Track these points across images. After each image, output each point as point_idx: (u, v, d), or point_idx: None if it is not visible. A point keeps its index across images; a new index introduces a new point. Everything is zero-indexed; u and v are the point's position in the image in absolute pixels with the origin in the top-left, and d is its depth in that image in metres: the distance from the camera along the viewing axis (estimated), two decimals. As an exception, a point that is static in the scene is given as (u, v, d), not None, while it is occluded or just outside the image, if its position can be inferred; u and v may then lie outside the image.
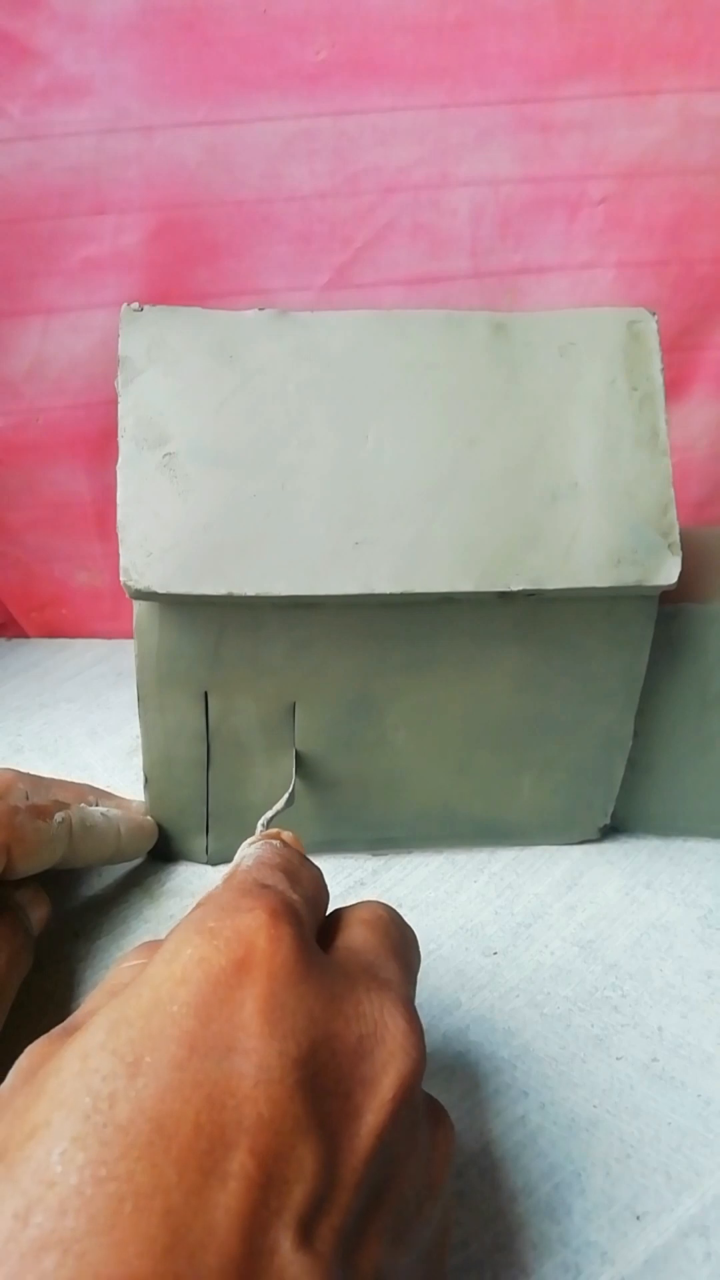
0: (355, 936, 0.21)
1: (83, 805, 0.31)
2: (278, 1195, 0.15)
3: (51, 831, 0.28)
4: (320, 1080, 0.17)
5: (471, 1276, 0.23)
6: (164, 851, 0.36)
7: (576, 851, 0.37)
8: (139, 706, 0.33)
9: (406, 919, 0.34)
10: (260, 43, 0.40)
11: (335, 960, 0.20)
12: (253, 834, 0.28)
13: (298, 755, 0.34)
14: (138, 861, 0.36)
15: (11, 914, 0.28)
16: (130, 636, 0.32)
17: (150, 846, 0.35)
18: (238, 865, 0.22)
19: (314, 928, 0.21)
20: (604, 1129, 0.26)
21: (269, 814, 0.30)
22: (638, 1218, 0.24)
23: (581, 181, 0.42)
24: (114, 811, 0.33)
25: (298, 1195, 0.15)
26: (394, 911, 0.23)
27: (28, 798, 0.29)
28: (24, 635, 0.56)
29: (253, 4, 0.39)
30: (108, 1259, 0.13)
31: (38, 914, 0.30)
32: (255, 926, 0.18)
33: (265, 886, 0.20)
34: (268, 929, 0.18)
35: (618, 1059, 0.28)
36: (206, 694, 0.32)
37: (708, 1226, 0.24)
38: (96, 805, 0.32)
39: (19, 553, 0.52)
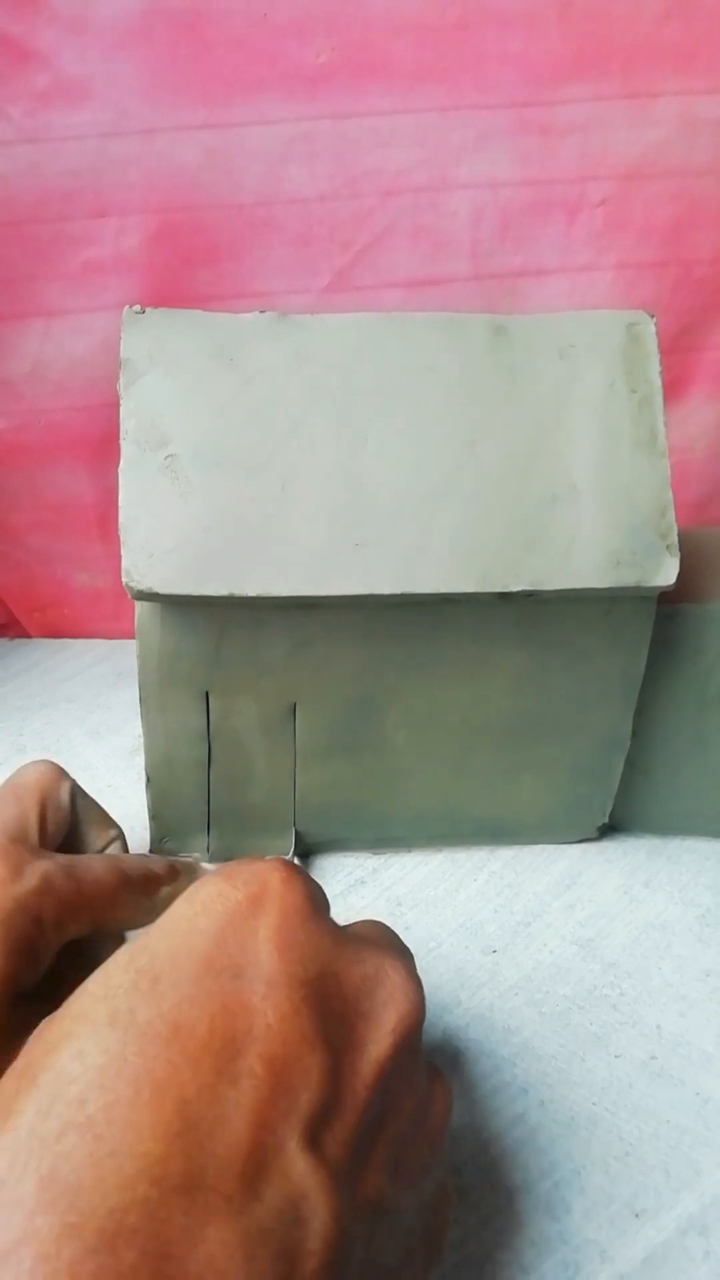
0: (357, 928, 0.22)
1: (195, 869, 0.29)
2: (285, 1098, 0.16)
3: (156, 911, 0.25)
4: (326, 1005, 0.18)
5: (471, 1274, 0.23)
6: (165, 851, 0.36)
7: (575, 850, 0.37)
8: (140, 706, 0.33)
9: (406, 917, 0.34)
10: (261, 45, 0.40)
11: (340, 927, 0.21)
12: (254, 854, 0.28)
13: (298, 755, 0.34)
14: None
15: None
16: (131, 637, 0.32)
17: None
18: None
19: None
20: (603, 1127, 0.26)
21: None
22: (637, 1215, 0.24)
23: (581, 184, 0.43)
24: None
25: (304, 1101, 0.16)
26: (390, 929, 0.24)
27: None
28: (26, 635, 0.56)
29: (253, 6, 0.39)
30: (123, 1138, 0.15)
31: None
32: (270, 870, 0.20)
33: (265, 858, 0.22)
34: (281, 873, 0.20)
35: (616, 1057, 0.28)
36: (208, 694, 0.32)
37: (707, 1224, 0.24)
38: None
39: (21, 554, 0.52)
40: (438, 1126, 0.20)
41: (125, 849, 0.30)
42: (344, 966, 0.19)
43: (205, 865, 0.31)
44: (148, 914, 0.27)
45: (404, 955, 0.22)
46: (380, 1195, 0.18)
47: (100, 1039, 0.16)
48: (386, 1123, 0.18)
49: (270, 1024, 0.17)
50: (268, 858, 0.21)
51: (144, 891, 0.27)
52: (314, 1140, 0.16)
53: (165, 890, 0.28)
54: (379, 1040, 0.18)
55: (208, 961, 0.17)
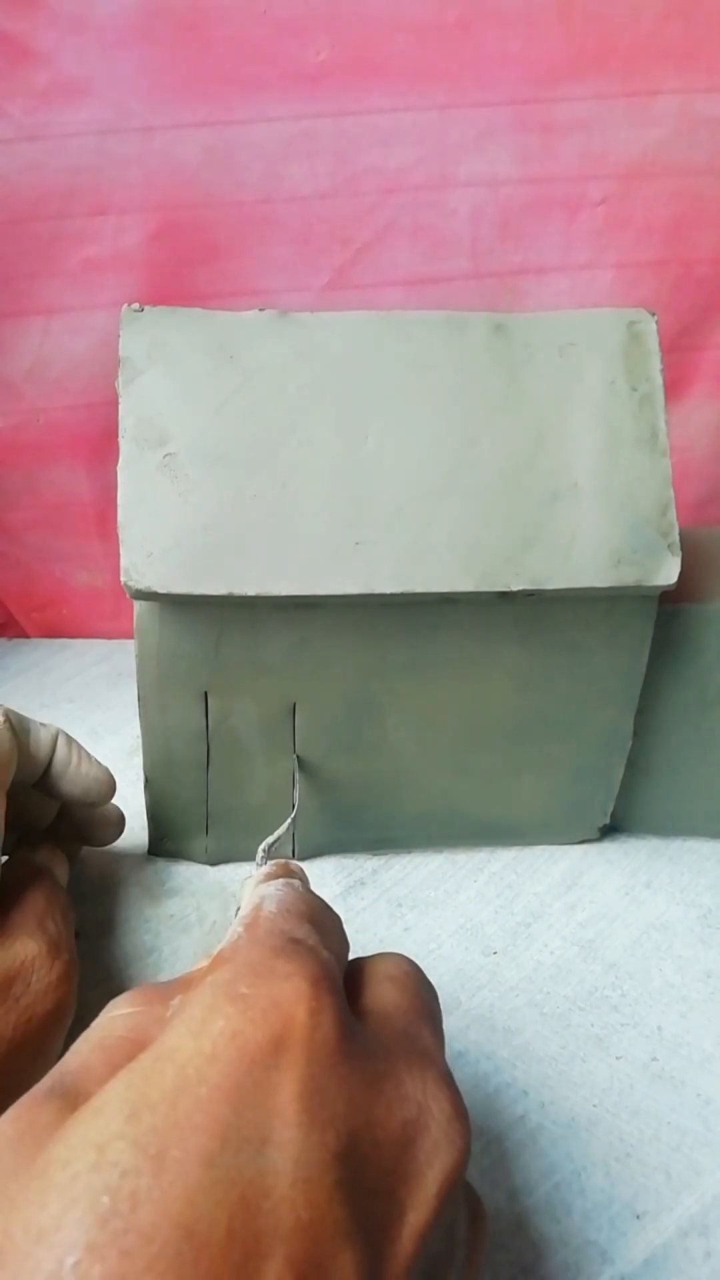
0: (385, 998, 0.20)
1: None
2: None
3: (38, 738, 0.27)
4: (361, 1176, 0.15)
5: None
6: (164, 851, 0.36)
7: (576, 851, 0.37)
8: (139, 706, 0.33)
9: (406, 918, 0.34)
10: (261, 43, 0.40)
11: (371, 1032, 0.18)
12: (254, 855, 0.28)
13: (298, 756, 0.34)
14: (139, 861, 0.36)
15: (48, 877, 0.28)
16: (130, 636, 0.32)
17: (108, 796, 0.32)
18: (258, 908, 0.20)
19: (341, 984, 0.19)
20: (604, 1128, 0.26)
21: (271, 839, 0.29)
22: (637, 1217, 0.24)
23: (581, 182, 0.43)
24: (88, 755, 0.31)
25: None
26: (416, 965, 0.21)
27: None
28: (24, 635, 0.56)
29: (253, 5, 0.39)
30: None
31: (60, 870, 0.29)
32: (294, 998, 0.16)
33: (297, 943, 0.18)
34: (308, 1001, 0.16)
35: (617, 1058, 0.28)
36: (207, 694, 0.32)
37: (708, 1225, 0.24)
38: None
39: (19, 553, 0.52)
40: (476, 1265, 0.18)
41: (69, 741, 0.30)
42: (383, 1115, 0.16)
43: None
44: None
45: (439, 1044, 0.19)
46: None
47: (96, 1245, 0.13)
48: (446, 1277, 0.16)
49: (300, 1219, 0.14)
50: (296, 965, 0.17)
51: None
52: None
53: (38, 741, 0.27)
54: (420, 1208, 0.15)
55: (223, 1133, 0.14)
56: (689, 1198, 0.24)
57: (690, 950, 0.32)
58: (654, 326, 0.31)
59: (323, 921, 0.20)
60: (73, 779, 0.30)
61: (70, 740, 0.30)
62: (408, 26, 0.40)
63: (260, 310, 0.31)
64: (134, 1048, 0.17)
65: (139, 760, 0.34)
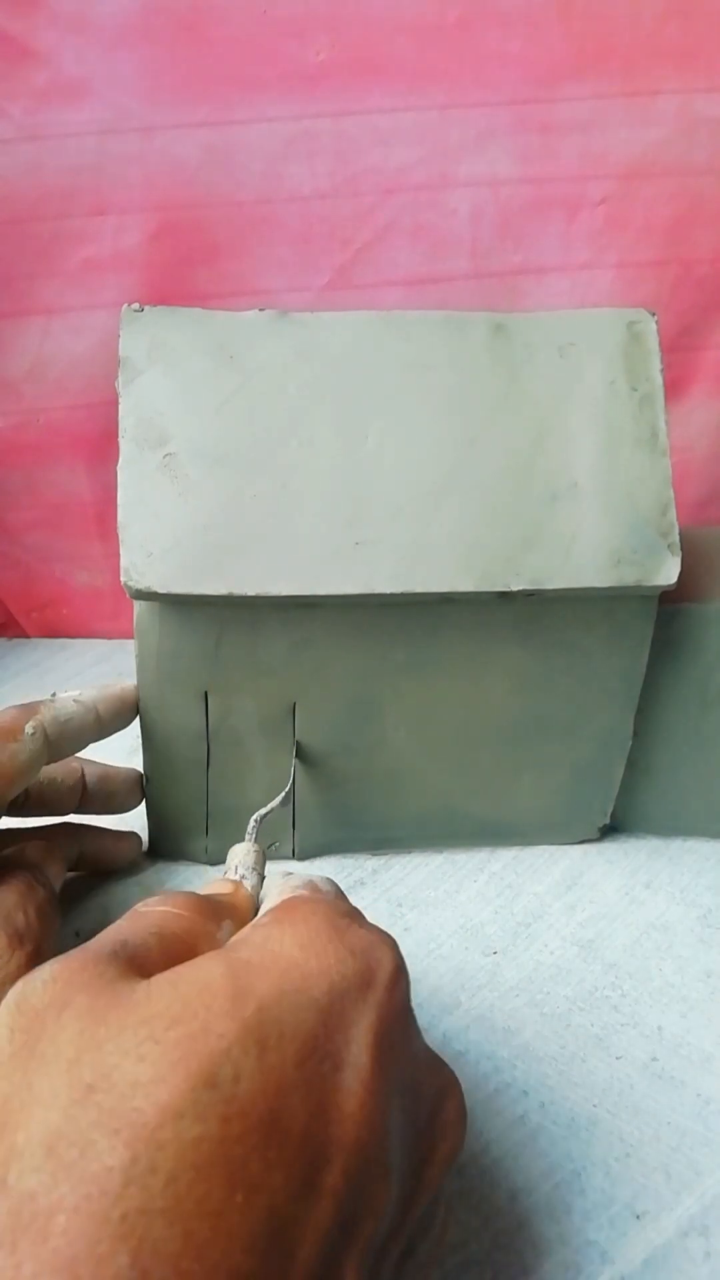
0: None
1: (55, 700, 0.30)
2: (356, 1225, 0.15)
3: (27, 749, 0.28)
4: (404, 1124, 0.16)
5: (471, 1275, 0.23)
6: (164, 851, 0.36)
7: (576, 851, 0.37)
8: (139, 706, 0.33)
9: (406, 918, 0.34)
10: (260, 43, 0.40)
11: None
12: (245, 832, 0.28)
13: (298, 755, 0.34)
14: (138, 863, 0.36)
15: (28, 871, 0.28)
16: (130, 636, 0.32)
17: (134, 715, 0.33)
18: (311, 881, 0.22)
19: None
20: (603, 1128, 0.26)
21: (263, 811, 0.29)
22: (637, 1217, 0.24)
23: (581, 182, 0.43)
24: (88, 693, 0.31)
25: (367, 1229, 0.15)
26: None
27: None
28: (24, 635, 0.56)
29: (253, 4, 0.39)
30: (215, 1245, 0.13)
31: (53, 869, 0.30)
32: (384, 948, 0.18)
33: (363, 916, 0.20)
34: (392, 956, 0.18)
35: (617, 1058, 0.28)
36: (206, 694, 0.32)
37: (707, 1226, 0.24)
38: (68, 693, 0.31)
39: (19, 553, 0.52)
40: (440, 1252, 0.19)
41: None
42: (423, 1079, 0.18)
43: (61, 695, 0.31)
44: (29, 761, 0.27)
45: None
46: None
47: (199, 1100, 0.14)
48: (413, 1253, 0.17)
49: (360, 1138, 0.15)
50: (377, 927, 0.19)
51: (7, 737, 0.27)
52: (369, 1274, 0.15)
53: (29, 728, 0.28)
54: (433, 1166, 0.17)
55: (314, 1042, 0.15)
56: (689, 1198, 0.24)
57: (690, 950, 0.32)
58: (654, 326, 0.31)
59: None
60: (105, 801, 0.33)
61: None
62: (408, 26, 0.40)
63: (260, 310, 0.31)
64: (187, 950, 0.19)
65: (139, 760, 0.34)
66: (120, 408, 0.29)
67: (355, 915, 0.19)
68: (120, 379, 0.30)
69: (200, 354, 0.30)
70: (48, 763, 0.29)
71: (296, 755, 0.34)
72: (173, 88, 0.40)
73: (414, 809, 0.36)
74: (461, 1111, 0.19)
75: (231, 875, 0.25)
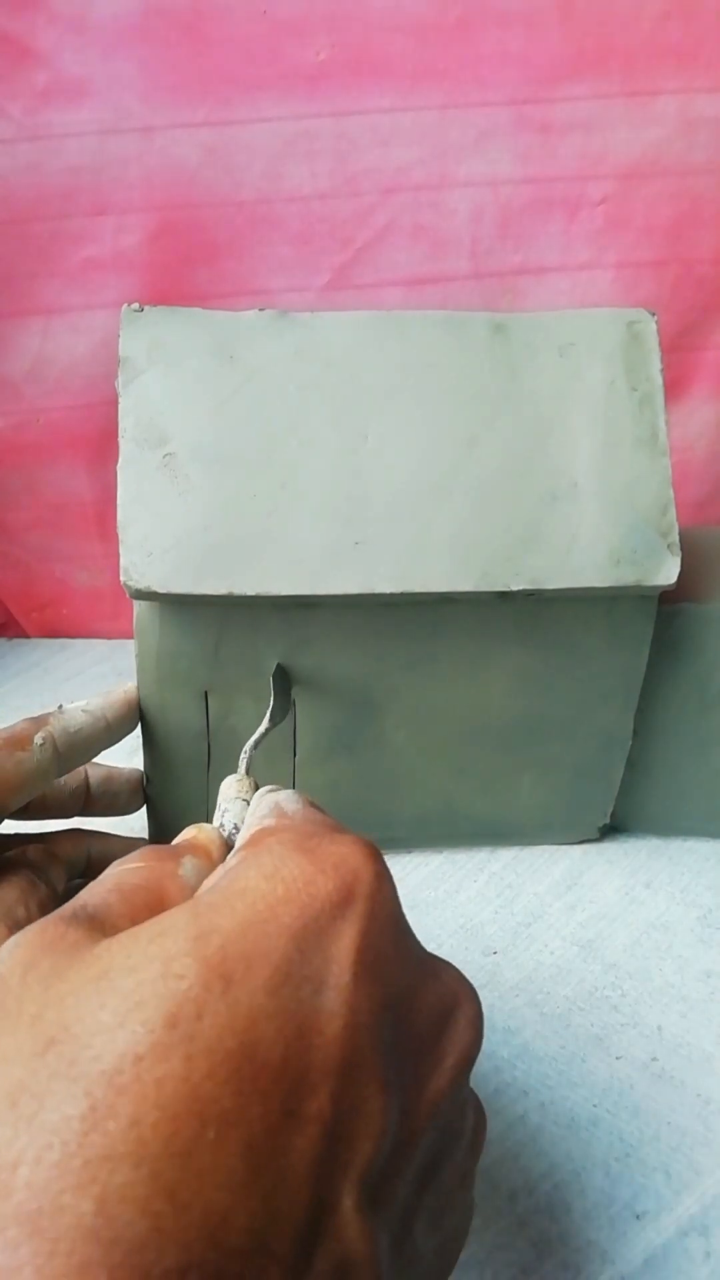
0: None
1: (63, 711, 0.30)
2: (347, 1148, 0.14)
3: (34, 759, 0.28)
4: (399, 1036, 0.16)
5: (472, 1275, 0.23)
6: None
7: (576, 851, 0.37)
8: (139, 706, 0.33)
9: (407, 918, 0.34)
10: (260, 43, 0.40)
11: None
12: (237, 768, 0.28)
13: (298, 755, 0.34)
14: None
15: (28, 870, 0.28)
16: (130, 636, 0.32)
17: (138, 717, 0.33)
18: (277, 805, 0.21)
19: None
20: (604, 1128, 0.26)
21: (253, 741, 0.29)
22: (637, 1217, 0.24)
23: (581, 182, 0.43)
24: (95, 702, 0.31)
25: (365, 1152, 0.14)
26: None
27: None
28: (25, 635, 0.56)
29: (253, 5, 0.39)
30: (184, 1184, 0.12)
31: (55, 871, 0.30)
32: (361, 859, 0.17)
33: (338, 825, 0.20)
34: (372, 863, 0.17)
35: (617, 1058, 0.28)
36: (206, 694, 0.32)
37: (707, 1225, 0.24)
38: (75, 704, 0.32)
39: (20, 553, 0.52)
40: (474, 1162, 0.19)
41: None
42: (421, 986, 0.17)
43: (69, 706, 0.31)
44: (37, 772, 0.27)
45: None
46: (419, 1246, 0.16)
47: (162, 1044, 0.13)
48: (435, 1169, 0.17)
49: (346, 1059, 0.15)
50: (353, 835, 0.18)
51: (15, 746, 0.27)
52: (370, 1199, 0.15)
53: (39, 738, 0.27)
54: (439, 1075, 0.17)
55: (287, 968, 0.15)
56: (689, 1198, 0.24)
57: (690, 950, 0.32)
58: (654, 326, 0.31)
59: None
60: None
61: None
62: (408, 26, 0.40)
63: (260, 310, 0.31)
64: (149, 895, 0.18)
65: (139, 760, 0.34)
66: (120, 408, 0.29)
67: (327, 828, 0.19)
68: (120, 379, 0.30)
69: (200, 354, 0.30)
70: (58, 775, 0.29)
71: (296, 755, 0.34)
72: (173, 88, 0.40)
73: (414, 809, 0.36)
74: (474, 1010, 0.18)
75: (217, 809, 0.25)
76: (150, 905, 0.18)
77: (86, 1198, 0.12)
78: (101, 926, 0.17)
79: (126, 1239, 0.12)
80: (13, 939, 0.16)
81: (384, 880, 0.17)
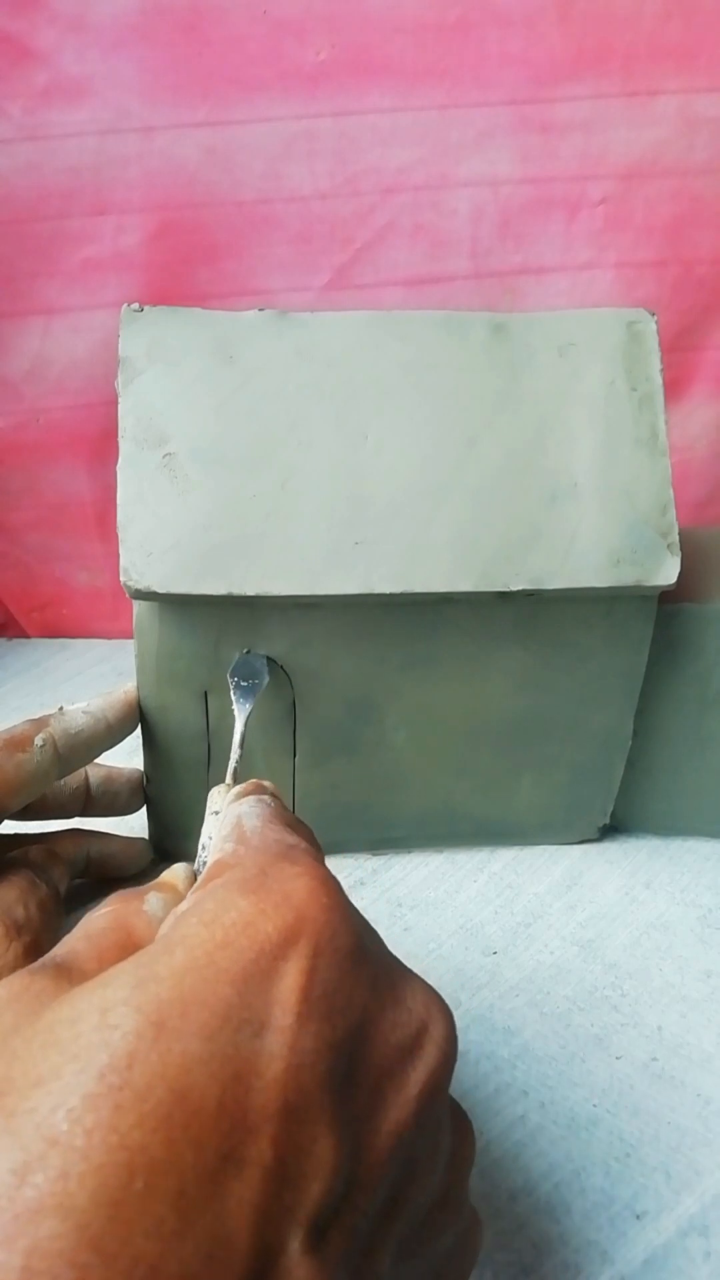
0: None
1: (64, 713, 0.30)
2: (292, 1191, 0.14)
3: (34, 760, 0.28)
4: (351, 1069, 0.16)
5: (472, 1275, 0.23)
6: (164, 851, 0.36)
7: (576, 851, 0.37)
8: (139, 706, 0.33)
9: (406, 918, 0.34)
10: (260, 43, 0.40)
11: (376, 944, 0.19)
12: (228, 787, 0.28)
13: (298, 755, 0.34)
14: (140, 865, 0.36)
15: (28, 869, 0.28)
16: (130, 636, 0.32)
17: (138, 717, 0.33)
18: (239, 823, 0.21)
19: None
20: (604, 1128, 0.26)
21: (236, 740, 0.29)
22: (637, 1217, 0.24)
23: (581, 182, 0.43)
24: (95, 703, 0.32)
25: (313, 1193, 0.14)
26: None
27: None
28: (25, 635, 0.56)
29: (253, 5, 0.39)
30: (112, 1234, 0.12)
31: (56, 871, 0.30)
32: (307, 893, 0.17)
33: (294, 847, 0.19)
34: (319, 897, 0.17)
35: (617, 1058, 0.28)
36: (206, 694, 0.32)
37: (707, 1225, 0.24)
38: (76, 705, 0.32)
39: (19, 553, 0.52)
40: (459, 1181, 0.18)
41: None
42: (377, 1014, 0.17)
43: (70, 708, 0.31)
44: (37, 773, 0.27)
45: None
46: (382, 1278, 0.16)
47: (92, 1095, 0.13)
48: (401, 1200, 0.16)
49: (288, 1102, 0.14)
50: (306, 863, 0.18)
51: (16, 747, 0.27)
52: (319, 1240, 0.14)
53: (39, 739, 0.28)
54: (402, 1104, 0.16)
55: (225, 1011, 0.15)
56: (689, 1198, 0.24)
57: (690, 950, 0.32)
58: (654, 326, 0.31)
59: (303, 830, 0.21)
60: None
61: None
62: (408, 26, 0.40)
63: (260, 310, 0.31)
64: (117, 934, 0.19)
65: (139, 760, 0.34)
66: (120, 408, 0.29)
67: (279, 862, 0.18)
68: (120, 379, 0.30)
69: (200, 354, 0.30)
70: (59, 776, 0.29)
71: (296, 755, 0.34)
72: (173, 88, 0.40)
73: (414, 809, 0.36)
74: (443, 1038, 0.17)
75: (205, 822, 0.25)
76: (119, 945, 0.18)
77: (16, 1252, 0.12)
78: (68, 974, 0.17)
79: None
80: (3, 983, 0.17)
81: (333, 912, 0.17)
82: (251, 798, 0.23)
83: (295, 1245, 0.14)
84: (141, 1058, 0.14)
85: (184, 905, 0.18)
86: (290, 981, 0.15)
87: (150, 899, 0.20)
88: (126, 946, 0.18)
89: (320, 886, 0.17)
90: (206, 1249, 0.13)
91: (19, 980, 0.16)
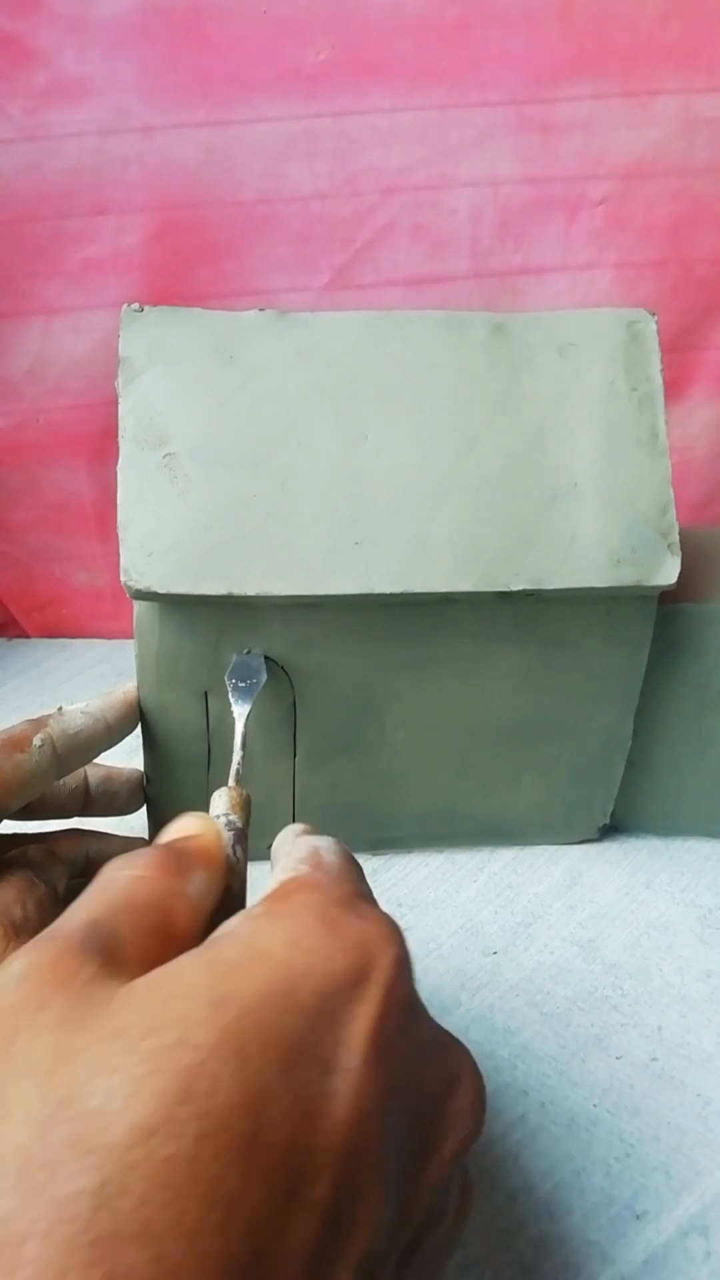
0: None
1: (63, 713, 0.30)
2: (345, 1236, 0.14)
3: (33, 761, 0.27)
4: (403, 1123, 0.16)
5: (471, 1276, 0.23)
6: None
7: (576, 851, 0.37)
8: (139, 706, 0.33)
9: (406, 918, 0.34)
10: (260, 43, 0.40)
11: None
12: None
13: (298, 755, 0.34)
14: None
15: (27, 869, 0.28)
16: (130, 636, 0.32)
17: (137, 718, 0.33)
18: (317, 852, 0.21)
19: None
20: (604, 1128, 0.26)
21: (237, 742, 0.29)
22: (637, 1217, 0.24)
23: (581, 182, 0.43)
24: (94, 703, 0.31)
25: (362, 1241, 0.14)
26: None
27: None
28: (25, 635, 0.56)
29: (253, 5, 0.39)
30: (189, 1268, 0.12)
31: (55, 871, 0.30)
32: (381, 940, 0.17)
33: (366, 895, 0.19)
34: (393, 947, 0.17)
35: (617, 1058, 0.28)
36: (206, 694, 0.32)
37: (707, 1225, 0.24)
38: (75, 705, 0.31)
39: (19, 553, 0.52)
40: (456, 1234, 0.19)
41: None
42: (430, 1072, 0.17)
43: (69, 708, 0.30)
44: (36, 774, 0.27)
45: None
46: None
47: (173, 1120, 0.13)
48: (417, 1248, 0.17)
49: (351, 1146, 0.14)
50: (378, 913, 0.18)
51: (14, 748, 0.26)
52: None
53: (38, 740, 0.27)
54: (438, 1164, 0.16)
55: (301, 1047, 0.15)
56: (689, 1198, 0.24)
57: (690, 950, 0.32)
58: (654, 326, 0.31)
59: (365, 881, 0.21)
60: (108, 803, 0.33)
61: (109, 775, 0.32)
62: (408, 26, 0.40)
63: (260, 310, 0.31)
64: (159, 917, 0.18)
65: (139, 760, 0.34)
66: (120, 408, 0.29)
67: (356, 900, 0.18)
68: (120, 379, 0.30)
69: (200, 354, 0.30)
70: (58, 776, 0.29)
71: (296, 755, 0.34)
72: (173, 88, 0.40)
73: (414, 809, 0.36)
74: (477, 1095, 0.18)
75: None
76: (159, 929, 0.18)
77: (94, 1277, 0.12)
78: (113, 959, 0.16)
79: None
80: (19, 962, 0.16)
81: (401, 965, 0.17)
82: (329, 838, 0.22)
83: None
84: (224, 1085, 0.14)
85: (256, 909, 0.18)
86: (360, 1025, 0.15)
87: (195, 880, 0.19)
88: (164, 933, 0.17)
89: (394, 937, 0.17)
90: None
91: (64, 962, 0.16)
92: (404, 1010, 0.16)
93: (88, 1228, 0.12)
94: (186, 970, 0.15)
